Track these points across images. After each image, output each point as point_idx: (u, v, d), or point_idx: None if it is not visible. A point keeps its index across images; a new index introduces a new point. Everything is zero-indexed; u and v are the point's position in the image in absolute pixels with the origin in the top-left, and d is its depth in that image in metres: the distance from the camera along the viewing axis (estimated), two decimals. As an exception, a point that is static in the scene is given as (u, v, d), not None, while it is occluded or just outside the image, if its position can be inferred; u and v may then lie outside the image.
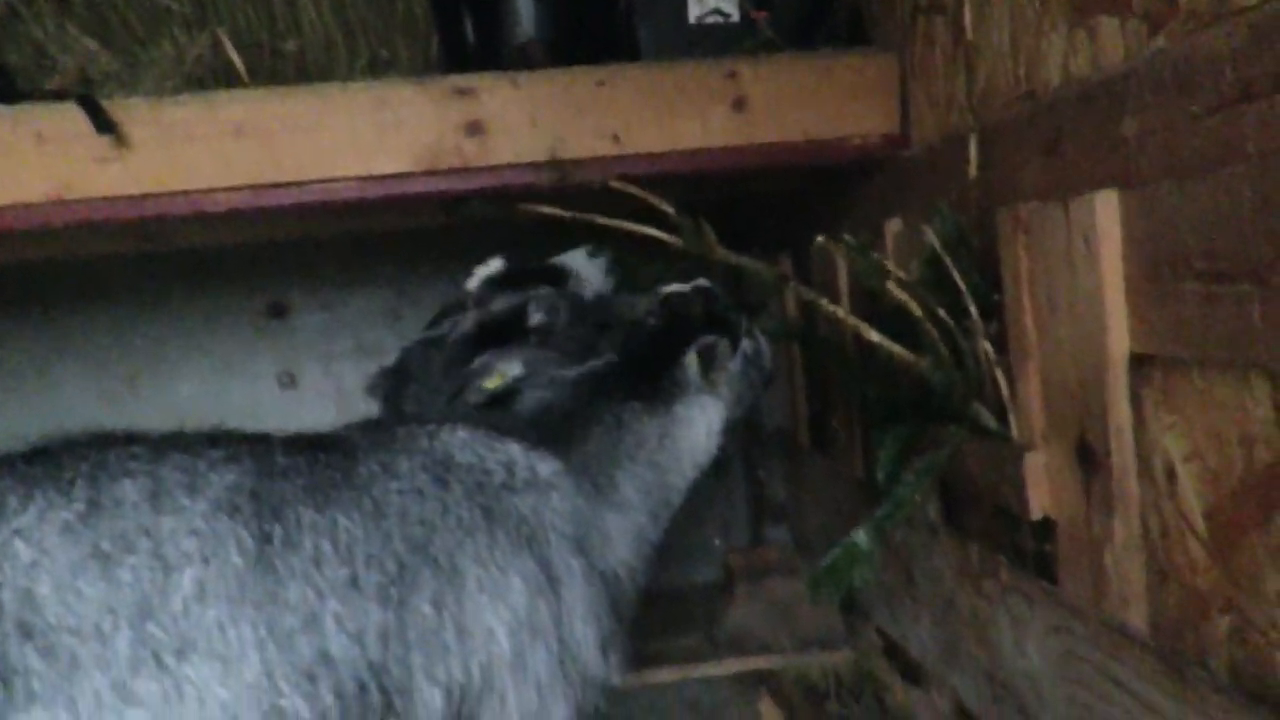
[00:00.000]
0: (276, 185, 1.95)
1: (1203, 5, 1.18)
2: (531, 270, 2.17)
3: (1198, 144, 1.16)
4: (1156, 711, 1.24)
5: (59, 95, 1.88)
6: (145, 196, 1.92)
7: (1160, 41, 1.25)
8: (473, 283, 2.23)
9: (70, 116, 1.85)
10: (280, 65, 2.26)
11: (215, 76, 2.20)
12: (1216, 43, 1.12)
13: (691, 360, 1.75)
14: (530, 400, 1.93)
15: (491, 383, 2.07)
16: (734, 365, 1.80)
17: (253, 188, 1.94)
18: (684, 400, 1.76)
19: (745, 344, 1.83)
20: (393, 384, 2.80)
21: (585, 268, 2.33)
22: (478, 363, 2.11)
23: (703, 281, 1.86)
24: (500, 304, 2.18)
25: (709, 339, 1.76)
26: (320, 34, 2.25)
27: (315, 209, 2.08)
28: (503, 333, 2.17)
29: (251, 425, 1.55)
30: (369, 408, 3.19)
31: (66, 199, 1.88)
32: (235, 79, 2.20)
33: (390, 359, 2.96)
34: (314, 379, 3.25)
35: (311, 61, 2.24)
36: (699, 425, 1.78)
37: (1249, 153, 1.08)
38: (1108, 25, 1.37)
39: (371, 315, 3.26)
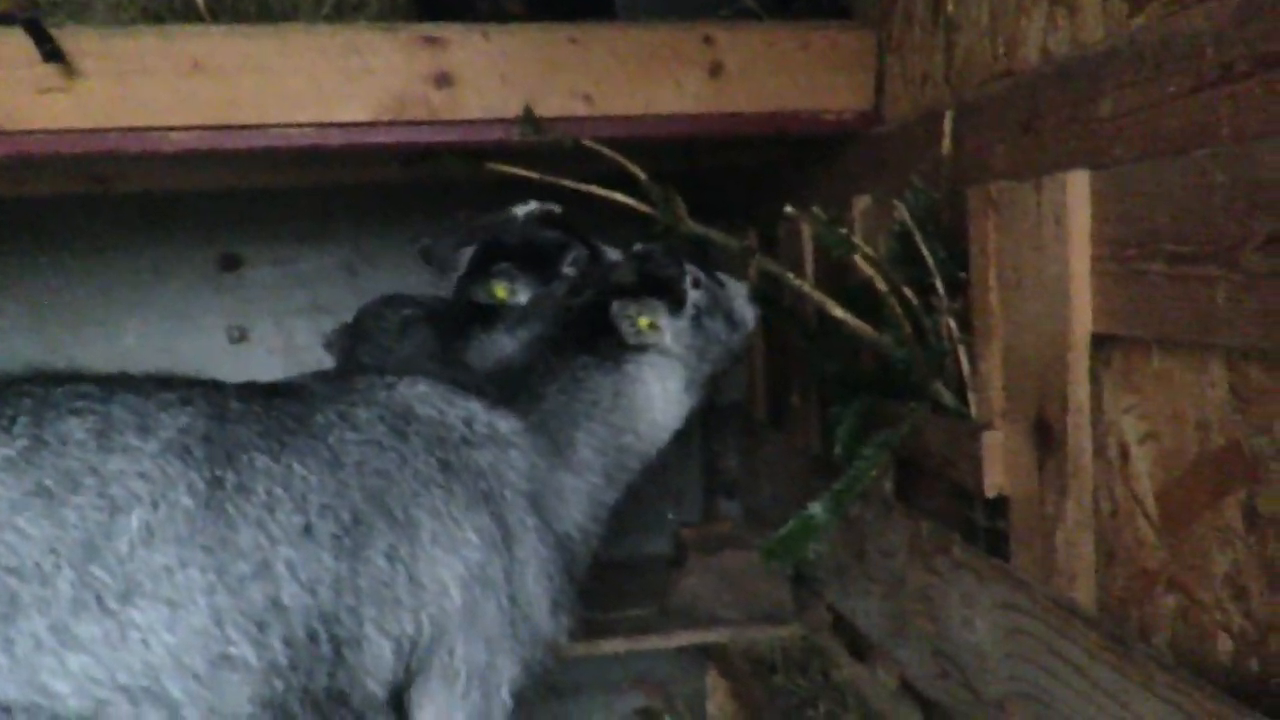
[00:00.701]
0: (234, 127, 1.88)
1: (1185, -14, 1.18)
2: (577, 228, 2.13)
3: (1173, 125, 1.16)
4: (1100, 687, 1.26)
5: (3, 19, 1.78)
6: (93, 131, 1.83)
7: (1141, 21, 1.25)
8: (525, 208, 2.17)
9: (14, 42, 1.75)
10: (242, 5, 2.17)
11: (173, 12, 2.11)
12: (1198, 23, 1.12)
13: (625, 327, 1.72)
14: (491, 357, 1.90)
15: (501, 291, 2.03)
16: (680, 321, 1.77)
17: (209, 128, 1.87)
18: (634, 359, 1.73)
19: (695, 295, 1.79)
20: (349, 342, 2.75)
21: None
22: (502, 265, 2.05)
23: (640, 246, 1.83)
24: (549, 236, 2.13)
25: (625, 299, 1.72)
26: (285, -27, 2.17)
27: (273, 155, 2.01)
28: (532, 261, 2.12)
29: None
30: (322, 367, 3.12)
31: (7, 130, 1.79)
32: (195, 16, 2.11)
33: (346, 317, 2.91)
34: (265, 334, 3.16)
35: (275, 2, 2.16)
36: (652, 384, 1.75)
37: (1223, 135, 1.09)
38: (1089, 4, 1.37)
39: (327, 271, 3.18)
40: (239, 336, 3.14)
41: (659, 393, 1.76)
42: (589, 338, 1.73)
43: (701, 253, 1.97)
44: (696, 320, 1.79)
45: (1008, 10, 1.56)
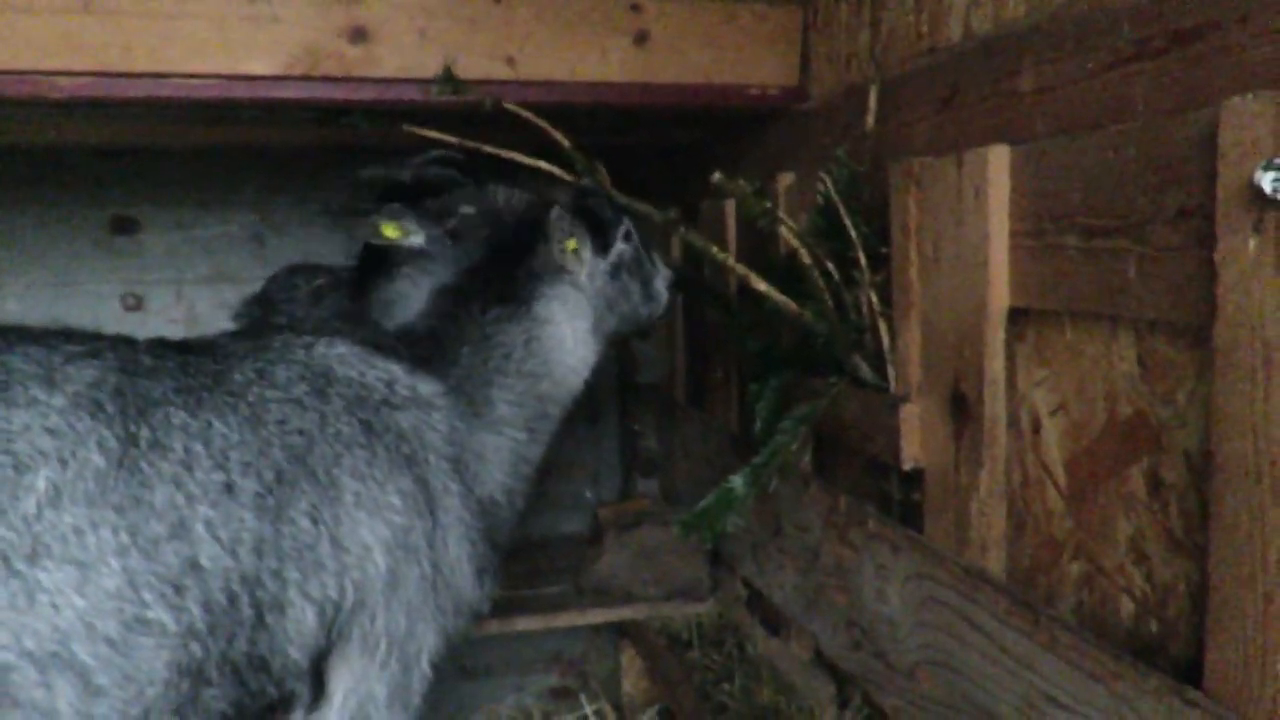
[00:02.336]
0: (128, 75, 1.76)
1: (1105, -36, 1.20)
2: (479, 169, 2.05)
3: (1091, 100, 1.19)
4: (1008, 651, 1.28)
5: None
6: (-31, 73, 1.69)
7: (1062, -1, 1.27)
8: (427, 155, 2.09)
9: (-121, -30, 1.61)
10: (140, -54, 2.03)
11: (62, -51, 1.96)
12: (1116, 0, 1.14)
13: (554, 238, 1.69)
14: (394, 304, 1.85)
15: (391, 231, 1.96)
16: (601, 262, 1.76)
17: (100, 75, 1.74)
18: (543, 297, 1.70)
19: (622, 247, 1.79)
20: (258, 312, 2.63)
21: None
22: (392, 207, 1.97)
23: (586, 183, 1.80)
24: (439, 174, 2.05)
25: (565, 219, 1.70)
26: (188, -85, 2.04)
27: (173, 108, 1.89)
28: (424, 200, 2.05)
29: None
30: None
31: None
32: (85, -45, 1.97)
33: (251, 288, 2.78)
34: (163, 303, 3.00)
35: (176, -55, 2.03)
36: (562, 323, 1.73)
37: (1139, 110, 1.12)
38: (1012, -18, 1.38)
39: (231, 238, 3.04)
40: (135, 305, 2.97)
41: (569, 334, 1.74)
42: (498, 279, 1.71)
43: (637, 222, 1.94)
44: (616, 270, 1.80)
45: (933, -13, 1.57)
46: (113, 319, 2.93)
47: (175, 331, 3.00)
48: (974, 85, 1.42)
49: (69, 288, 2.92)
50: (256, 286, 2.73)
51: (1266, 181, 0.87)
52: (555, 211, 1.67)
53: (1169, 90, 1.07)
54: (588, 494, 3.19)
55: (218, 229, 3.02)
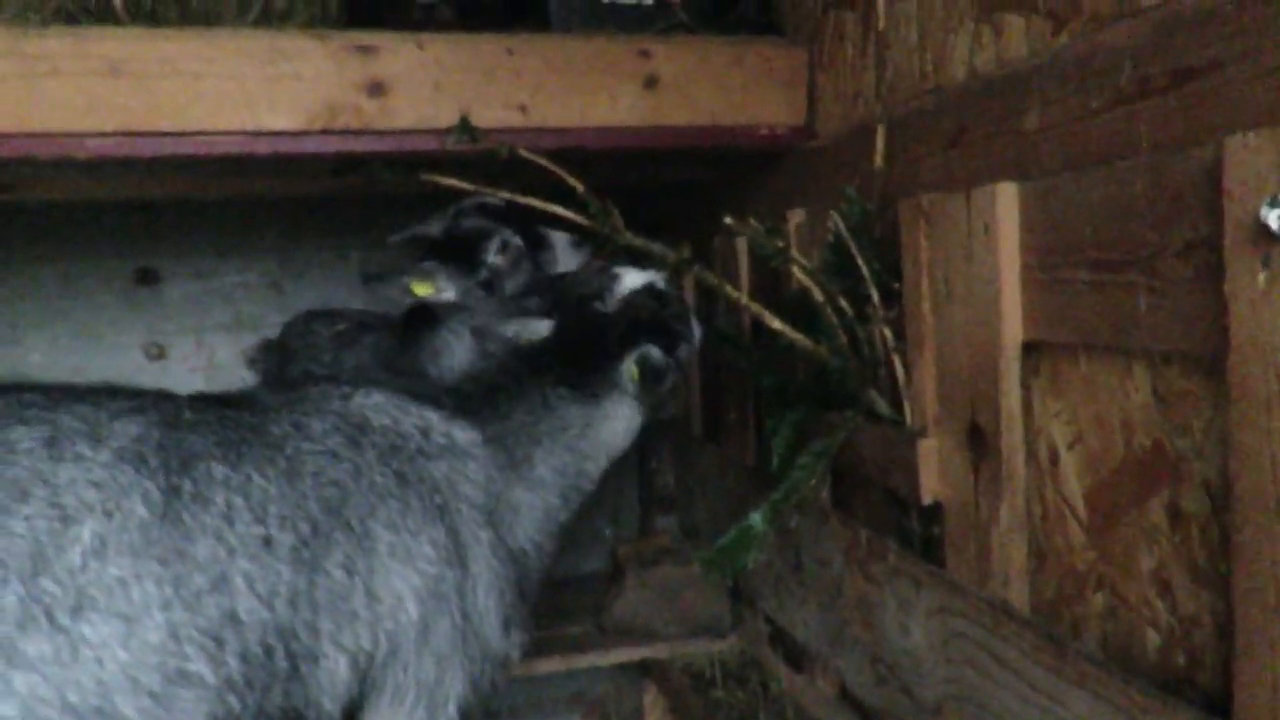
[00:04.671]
0: (153, 134, 1.81)
1: (1105, 5, 1.23)
2: (512, 217, 2.10)
3: (1096, 137, 1.21)
4: (1035, 686, 1.28)
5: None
6: (2, 136, 1.74)
7: (1064, 39, 1.30)
8: (458, 207, 2.15)
9: (-84, 40, 1.67)
10: (162, 9, 2.10)
11: (88, 13, 2.03)
12: (1118, 40, 1.17)
13: (629, 369, 1.73)
14: (455, 364, 1.87)
15: (421, 288, 2.01)
16: (669, 379, 1.79)
17: (126, 134, 1.79)
18: (613, 399, 1.74)
19: (682, 350, 1.82)
20: (275, 359, 2.67)
21: (564, 250, 2.28)
22: (424, 265, 2.01)
23: (658, 278, 1.83)
24: (469, 225, 2.10)
25: (655, 355, 1.73)
26: (208, -23, 2.11)
27: (196, 164, 1.94)
28: (458, 255, 2.10)
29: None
30: (244, 385, 3.02)
31: (-93, 132, 1.69)
32: (111, 18, 2.03)
33: (271, 333, 2.82)
34: (185, 352, 3.05)
35: (198, 6, 2.10)
36: (621, 423, 1.78)
37: (1143, 146, 1.14)
38: (1013, 22, 1.41)
39: (250, 286, 3.09)
40: (157, 354, 3.02)
41: (624, 429, 1.79)
42: (572, 367, 1.73)
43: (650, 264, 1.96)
44: (679, 369, 1.84)
45: (936, 29, 1.61)
46: (135, 369, 2.98)
47: (196, 379, 3.05)
48: (980, 124, 1.44)
49: (92, 339, 2.97)
50: (276, 333, 2.77)
51: (1273, 219, 0.89)
52: (627, 363, 1.71)
53: (1172, 127, 1.09)
54: (607, 531, 3.19)
55: (237, 277, 3.07)
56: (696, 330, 1.88)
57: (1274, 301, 0.92)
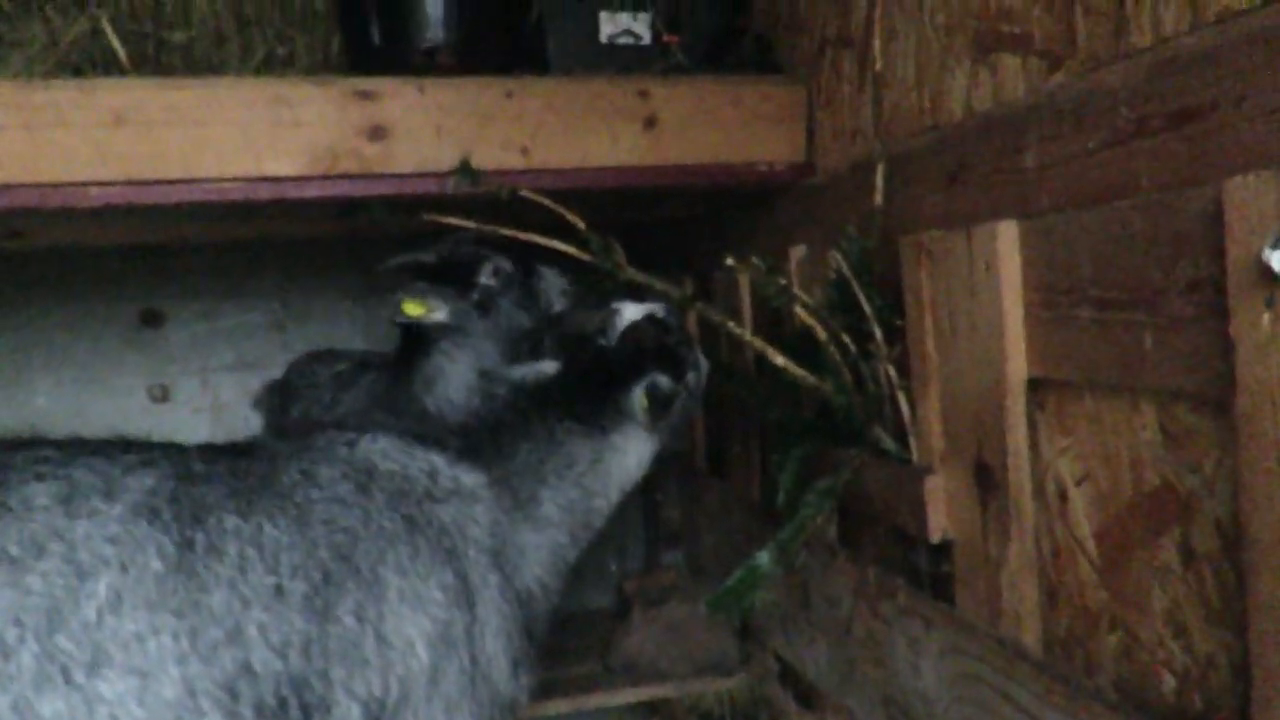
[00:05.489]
0: (159, 181, 1.82)
1: (1100, 46, 1.24)
2: (504, 245, 2.13)
3: (1095, 177, 1.21)
4: (1050, 728, 1.26)
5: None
6: (8, 187, 1.76)
7: (1059, 78, 1.31)
8: (455, 237, 2.20)
9: (-77, 94, 1.68)
10: (167, 57, 2.13)
11: (93, 65, 2.05)
12: (1112, 81, 1.18)
13: (639, 398, 1.72)
14: (450, 393, 1.87)
15: (414, 309, 2.04)
16: (678, 404, 1.78)
17: (132, 183, 1.81)
18: (622, 431, 1.73)
19: (690, 378, 1.81)
20: (279, 400, 2.67)
21: (552, 281, 2.31)
22: (418, 285, 2.05)
23: (658, 308, 1.83)
24: (463, 251, 2.13)
25: (663, 382, 1.72)
26: (211, 25, 2.13)
27: (200, 209, 1.95)
28: (450, 279, 2.11)
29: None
30: (248, 425, 3.02)
31: (-85, 184, 1.71)
32: (116, 69, 2.06)
33: (274, 373, 2.82)
34: (189, 393, 3.06)
35: (201, 55, 2.12)
36: (632, 456, 1.76)
37: (1143, 185, 1.14)
38: (1009, 62, 1.43)
39: (253, 327, 3.10)
40: (161, 396, 3.02)
41: (634, 463, 1.77)
42: (580, 402, 1.72)
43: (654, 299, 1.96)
44: (687, 400, 1.82)
45: (932, 67, 1.62)
46: (140, 411, 2.99)
47: (201, 420, 3.05)
48: (979, 161, 1.45)
49: (96, 383, 2.98)
50: (279, 373, 2.78)
51: (1275, 260, 0.89)
52: (636, 394, 1.70)
53: (1171, 167, 1.09)
54: (613, 567, 3.17)
55: (240, 318, 3.09)
56: (702, 358, 1.88)
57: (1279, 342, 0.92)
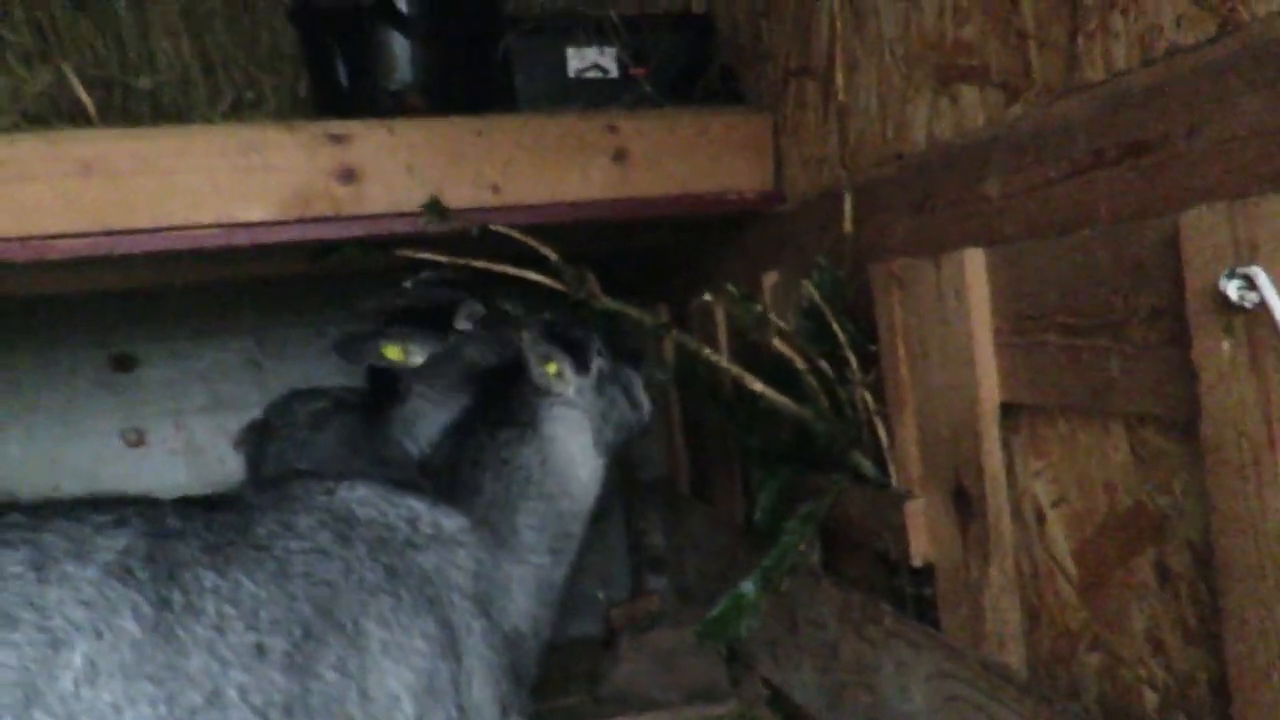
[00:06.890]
0: (128, 231, 1.81)
1: (1055, 77, 1.27)
2: (474, 285, 2.15)
3: (1056, 206, 1.24)
4: (1036, 750, 1.28)
5: None
6: (-27, 241, 1.74)
7: (1018, 110, 1.34)
8: (416, 276, 2.21)
9: (-114, 152, 1.67)
10: (133, 104, 2.12)
11: (59, 114, 2.04)
12: (1070, 112, 1.21)
13: (533, 365, 1.74)
14: (431, 431, 1.88)
15: (393, 353, 2.04)
16: (584, 379, 1.79)
17: (102, 233, 1.80)
18: (546, 415, 1.73)
19: (599, 362, 1.83)
20: (256, 438, 2.65)
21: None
22: (395, 329, 2.06)
23: (546, 315, 1.87)
24: (440, 294, 2.14)
25: (540, 344, 1.75)
26: (178, 70, 2.12)
27: (171, 257, 1.94)
28: (428, 321, 2.13)
29: (93, 488, 1.44)
30: (224, 466, 3.00)
31: (-121, 242, 1.69)
32: (82, 118, 2.05)
33: (250, 413, 2.80)
34: (164, 436, 3.03)
35: (169, 101, 2.11)
36: (567, 440, 1.75)
37: (1102, 216, 1.17)
38: (968, 93, 1.46)
39: (228, 366, 3.08)
40: (136, 440, 2.99)
41: (576, 450, 1.76)
42: (502, 405, 1.74)
43: (609, 336, 1.99)
44: (600, 384, 1.82)
45: (894, 98, 1.65)
46: (115, 456, 2.95)
47: (176, 463, 3.02)
48: (944, 191, 1.48)
49: (69, 427, 2.94)
50: (255, 413, 2.75)
51: (1232, 289, 0.91)
52: (528, 339, 1.71)
53: (1128, 198, 1.12)
54: (599, 595, 3.16)
55: (214, 358, 3.06)
56: (601, 352, 1.89)
57: (1240, 369, 0.95)
